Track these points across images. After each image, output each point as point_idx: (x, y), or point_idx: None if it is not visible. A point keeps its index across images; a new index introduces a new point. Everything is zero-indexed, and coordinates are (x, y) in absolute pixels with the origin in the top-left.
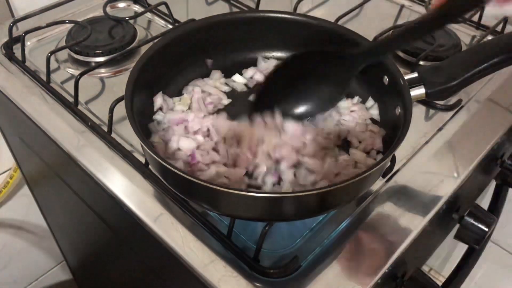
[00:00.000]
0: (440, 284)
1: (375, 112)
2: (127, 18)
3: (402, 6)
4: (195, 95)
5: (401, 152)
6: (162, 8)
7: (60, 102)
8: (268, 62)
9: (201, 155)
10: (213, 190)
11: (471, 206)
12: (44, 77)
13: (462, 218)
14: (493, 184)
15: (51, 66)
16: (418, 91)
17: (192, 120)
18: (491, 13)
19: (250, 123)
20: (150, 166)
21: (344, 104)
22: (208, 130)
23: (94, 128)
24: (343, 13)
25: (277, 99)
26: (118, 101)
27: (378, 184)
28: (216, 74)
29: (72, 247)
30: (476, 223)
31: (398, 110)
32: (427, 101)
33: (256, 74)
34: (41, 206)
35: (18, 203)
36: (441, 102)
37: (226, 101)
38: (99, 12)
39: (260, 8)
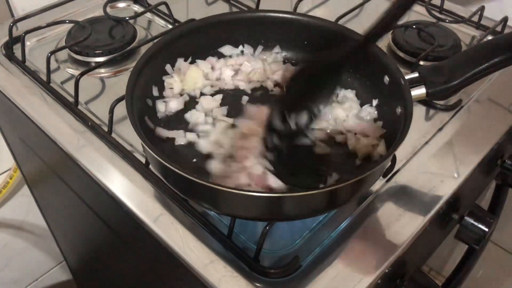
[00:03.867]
0: (440, 284)
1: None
2: (127, 18)
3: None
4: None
5: (401, 152)
6: (162, 8)
7: (60, 102)
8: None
9: None
10: (213, 190)
11: (471, 206)
12: (44, 77)
13: (462, 218)
14: (493, 184)
15: (51, 66)
16: (418, 91)
17: None
18: None
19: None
20: (150, 166)
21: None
22: None
23: (94, 128)
24: (343, 13)
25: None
26: (118, 101)
27: (378, 184)
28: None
29: (72, 247)
30: (476, 223)
31: (398, 110)
32: (427, 101)
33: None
34: (41, 206)
35: (18, 203)
36: (441, 102)
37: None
38: (99, 12)
39: (260, 8)
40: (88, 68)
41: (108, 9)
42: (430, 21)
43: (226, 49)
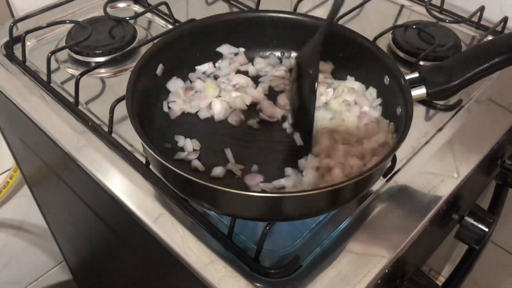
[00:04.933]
0: (440, 284)
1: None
2: (127, 18)
3: (402, 6)
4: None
5: (401, 152)
6: (163, 8)
7: (60, 102)
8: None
9: None
10: (213, 190)
11: (471, 206)
12: (44, 77)
13: (462, 218)
14: (493, 184)
15: (51, 66)
16: (419, 91)
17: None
18: None
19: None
20: (151, 166)
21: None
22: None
23: (94, 128)
24: (343, 13)
25: None
26: (118, 101)
27: (378, 184)
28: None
29: (72, 247)
30: (476, 223)
31: (399, 110)
32: (427, 101)
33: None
34: (41, 206)
35: (18, 203)
36: (441, 102)
37: None
38: (99, 12)
39: (260, 8)
40: (88, 68)
41: (108, 9)
42: (430, 21)
43: (224, 48)
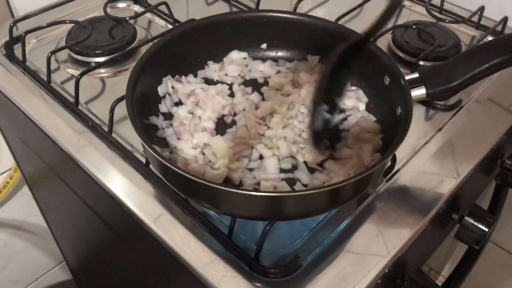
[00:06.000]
0: (440, 284)
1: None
2: (127, 18)
3: (402, 6)
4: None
5: (401, 152)
6: (162, 8)
7: (60, 102)
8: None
9: None
10: (214, 189)
11: (471, 206)
12: (44, 77)
13: (462, 218)
14: (493, 184)
15: (51, 66)
16: (419, 91)
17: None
18: None
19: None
20: (151, 166)
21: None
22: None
23: (94, 128)
24: (343, 13)
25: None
26: (118, 101)
27: (378, 184)
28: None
29: (72, 247)
30: (476, 223)
31: (399, 110)
32: (427, 101)
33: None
34: (41, 206)
35: (18, 203)
36: (441, 102)
37: None
38: (99, 12)
39: (260, 8)
40: (88, 68)
41: (108, 9)
42: (430, 21)
43: (233, 54)
